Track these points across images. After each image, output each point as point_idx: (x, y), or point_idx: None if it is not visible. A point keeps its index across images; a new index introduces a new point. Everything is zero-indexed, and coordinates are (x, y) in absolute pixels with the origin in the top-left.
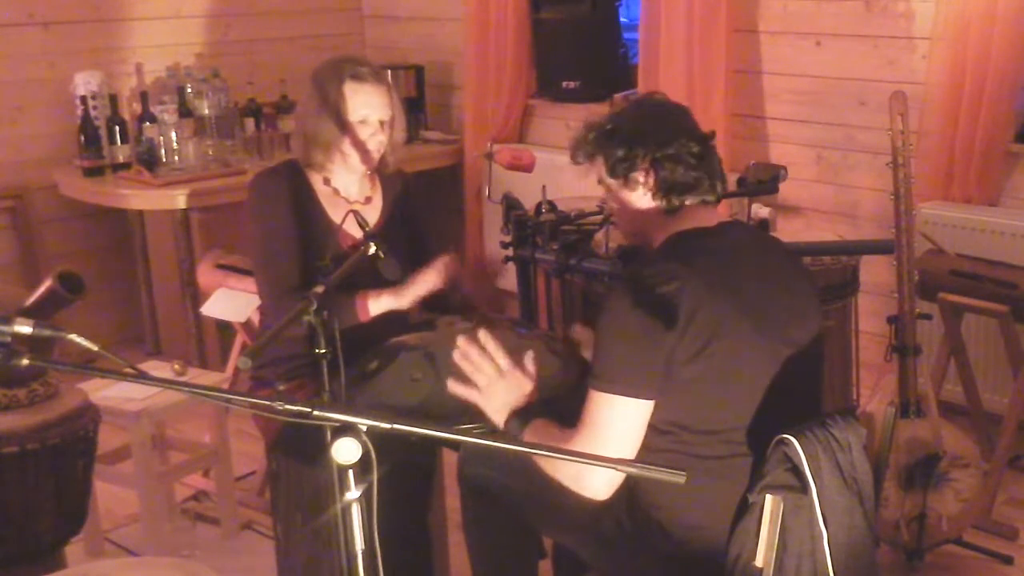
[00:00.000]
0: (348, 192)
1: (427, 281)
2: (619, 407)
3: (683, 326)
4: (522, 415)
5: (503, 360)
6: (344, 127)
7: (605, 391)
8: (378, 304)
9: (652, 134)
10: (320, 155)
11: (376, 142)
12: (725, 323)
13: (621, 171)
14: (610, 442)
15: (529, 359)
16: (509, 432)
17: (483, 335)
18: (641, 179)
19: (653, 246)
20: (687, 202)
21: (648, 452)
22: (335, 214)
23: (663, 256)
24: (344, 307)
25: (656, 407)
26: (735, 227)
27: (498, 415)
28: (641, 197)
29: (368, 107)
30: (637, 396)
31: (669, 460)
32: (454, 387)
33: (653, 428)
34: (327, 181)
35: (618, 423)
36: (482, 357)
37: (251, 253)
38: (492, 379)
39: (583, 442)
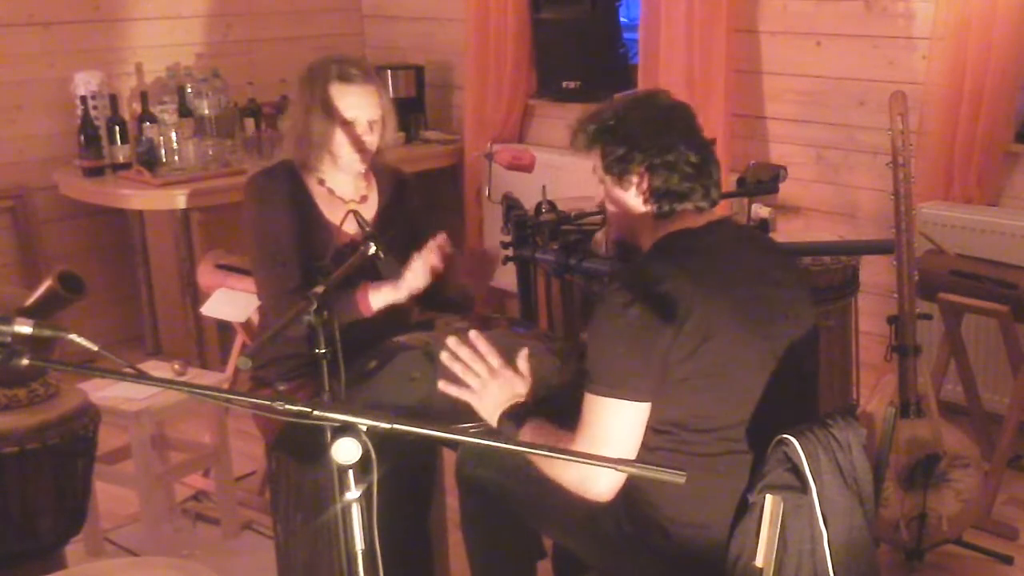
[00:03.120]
0: (343, 192)
1: (422, 266)
2: (617, 410)
3: (677, 327)
4: (516, 415)
5: (495, 360)
6: (332, 128)
7: (602, 395)
8: (378, 296)
9: (652, 139)
10: (311, 155)
11: (365, 142)
12: (717, 322)
13: (617, 170)
14: (610, 445)
15: (522, 358)
16: (503, 433)
17: (474, 335)
18: (635, 181)
19: (641, 246)
20: (678, 209)
21: (646, 451)
22: (331, 214)
23: (653, 258)
24: (345, 303)
25: (652, 407)
26: (722, 226)
27: (491, 415)
28: (633, 198)
29: (356, 108)
30: (634, 399)
31: (666, 459)
32: (445, 387)
33: (650, 428)
34: (321, 182)
35: (617, 426)
36: (473, 358)
37: (249, 254)
38: (484, 379)
39: (583, 445)
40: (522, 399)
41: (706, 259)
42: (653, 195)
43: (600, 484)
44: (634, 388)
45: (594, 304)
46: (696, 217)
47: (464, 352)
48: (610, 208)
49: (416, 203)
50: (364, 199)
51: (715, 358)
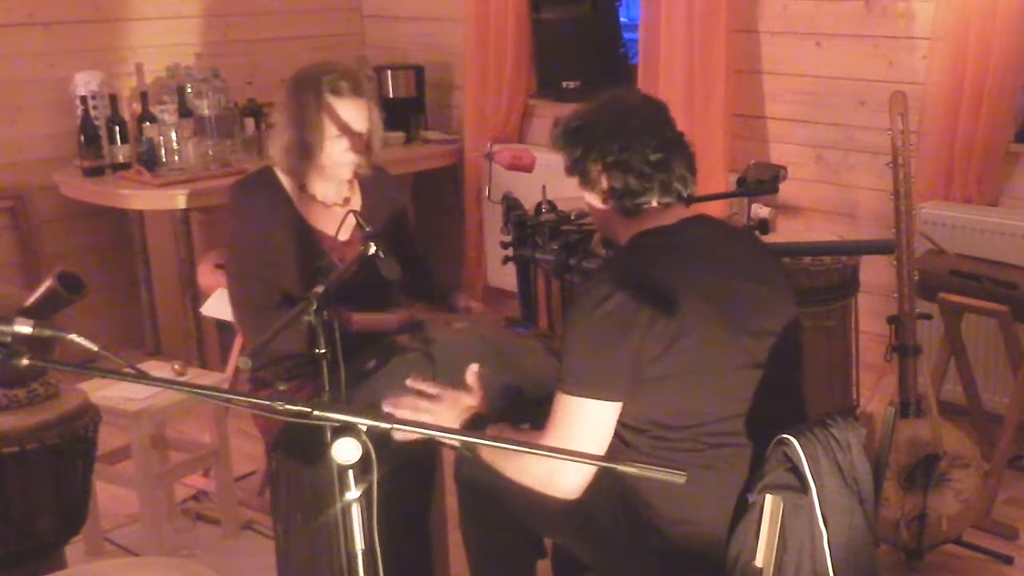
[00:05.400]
0: (325, 196)
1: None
2: (585, 409)
3: (647, 326)
4: (474, 425)
5: (432, 389)
6: (320, 141)
7: (572, 393)
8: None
9: (609, 139)
10: (295, 164)
11: (351, 156)
12: (690, 319)
13: (578, 171)
14: (577, 443)
15: (471, 373)
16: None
17: (409, 382)
18: (596, 181)
19: (620, 243)
20: (642, 206)
21: (631, 452)
22: (312, 218)
23: (625, 257)
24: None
25: (631, 407)
26: (697, 223)
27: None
28: (597, 197)
29: (346, 122)
30: (604, 398)
31: (652, 458)
32: (403, 437)
33: (631, 428)
34: (303, 187)
35: (584, 424)
36: (413, 398)
37: (227, 269)
38: (430, 411)
39: (551, 443)
40: (476, 411)
41: (679, 256)
42: (612, 195)
43: (568, 480)
44: (605, 388)
45: (568, 305)
46: (666, 214)
47: (404, 400)
48: (587, 207)
49: (398, 199)
50: (347, 201)
51: (690, 355)
